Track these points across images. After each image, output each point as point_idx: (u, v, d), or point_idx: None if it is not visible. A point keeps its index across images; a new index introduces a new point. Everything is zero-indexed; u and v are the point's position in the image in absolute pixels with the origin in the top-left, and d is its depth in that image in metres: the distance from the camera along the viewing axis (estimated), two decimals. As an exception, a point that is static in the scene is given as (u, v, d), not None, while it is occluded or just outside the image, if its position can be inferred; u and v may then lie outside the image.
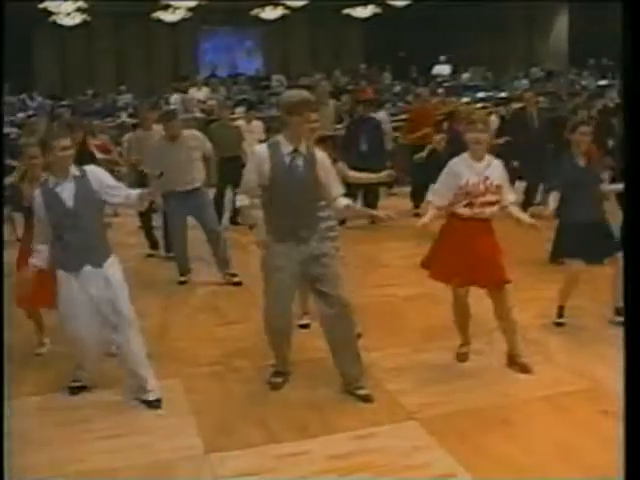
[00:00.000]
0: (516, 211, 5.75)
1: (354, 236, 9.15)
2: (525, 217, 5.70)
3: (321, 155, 5.27)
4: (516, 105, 12.80)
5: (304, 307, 6.60)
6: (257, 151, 5.27)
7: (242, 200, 5.36)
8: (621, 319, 6.33)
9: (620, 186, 6.55)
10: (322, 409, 5.13)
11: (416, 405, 5.12)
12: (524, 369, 5.67)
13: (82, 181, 5.09)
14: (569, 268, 6.43)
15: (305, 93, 5.36)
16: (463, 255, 5.44)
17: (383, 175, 6.76)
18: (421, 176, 10.40)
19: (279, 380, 5.56)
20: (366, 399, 5.27)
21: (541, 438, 4.68)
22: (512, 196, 5.78)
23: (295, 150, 5.13)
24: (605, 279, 6.58)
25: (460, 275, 5.51)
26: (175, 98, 17.18)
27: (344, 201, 5.37)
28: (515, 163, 9.79)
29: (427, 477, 4.30)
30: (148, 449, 4.72)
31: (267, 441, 4.74)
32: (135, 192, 5.32)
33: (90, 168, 5.27)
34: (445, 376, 5.57)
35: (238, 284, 8.11)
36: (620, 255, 6.12)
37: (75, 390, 5.51)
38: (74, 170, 5.11)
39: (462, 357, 5.83)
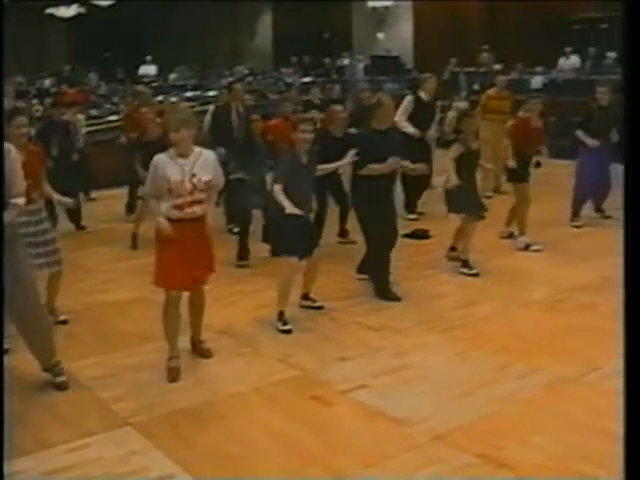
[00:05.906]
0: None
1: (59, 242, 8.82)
2: None
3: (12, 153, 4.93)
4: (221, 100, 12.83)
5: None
6: None
7: None
8: (307, 303, 6.75)
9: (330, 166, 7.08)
10: (32, 426, 4.92)
11: (130, 410, 5.06)
12: (206, 354, 5.95)
13: None
14: (288, 264, 6.41)
15: None
16: (181, 259, 5.38)
17: None
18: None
19: None
20: (61, 387, 5.39)
21: (257, 430, 4.80)
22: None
23: None
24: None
25: (180, 279, 5.47)
26: None
27: (6, 214, 4.87)
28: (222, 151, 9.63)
29: (146, 481, 4.26)
30: None
31: (-23, 465, 4.50)
32: None
33: None
34: (158, 378, 5.53)
35: None
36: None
37: None
38: None
39: (174, 373, 5.57)
